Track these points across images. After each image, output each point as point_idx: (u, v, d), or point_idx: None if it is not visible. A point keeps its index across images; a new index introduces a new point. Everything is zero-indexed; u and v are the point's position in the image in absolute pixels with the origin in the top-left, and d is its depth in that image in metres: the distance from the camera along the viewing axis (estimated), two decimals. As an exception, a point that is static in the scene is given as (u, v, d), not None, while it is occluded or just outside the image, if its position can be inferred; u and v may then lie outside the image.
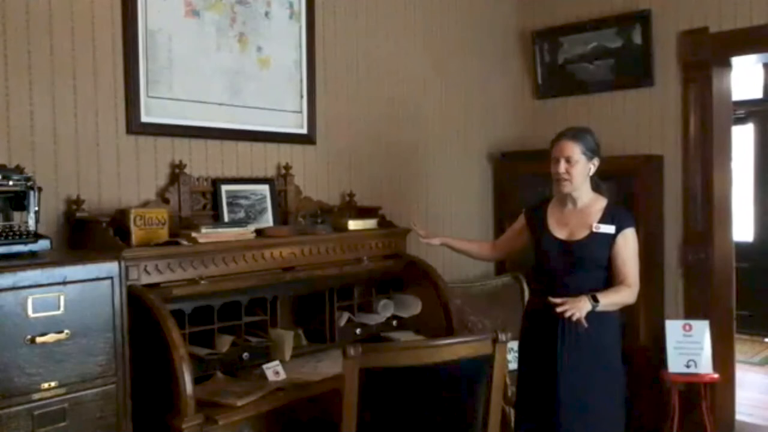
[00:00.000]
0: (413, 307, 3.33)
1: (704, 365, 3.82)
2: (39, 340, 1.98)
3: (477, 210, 4.57)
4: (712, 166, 4.04)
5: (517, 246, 3.01)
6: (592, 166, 2.73)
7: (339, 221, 3.28)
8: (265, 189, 3.16)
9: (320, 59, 3.47)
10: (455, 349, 2.22)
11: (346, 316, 3.13)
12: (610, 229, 2.67)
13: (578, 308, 2.51)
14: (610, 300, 2.61)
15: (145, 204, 2.78)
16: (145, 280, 2.44)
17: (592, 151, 2.71)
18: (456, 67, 4.34)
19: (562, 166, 2.68)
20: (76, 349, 2.07)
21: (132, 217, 2.52)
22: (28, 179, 2.21)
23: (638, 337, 3.98)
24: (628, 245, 2.68)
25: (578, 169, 2.68)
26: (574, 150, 2.68)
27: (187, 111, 2.93)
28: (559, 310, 2.52)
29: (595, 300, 2.55)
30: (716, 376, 3.83)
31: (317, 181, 3.50)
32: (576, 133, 2.72)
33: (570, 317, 2.50)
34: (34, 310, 1.97)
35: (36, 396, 1.98)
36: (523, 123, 4.82)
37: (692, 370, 3.83)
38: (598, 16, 4.40)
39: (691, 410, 3.95)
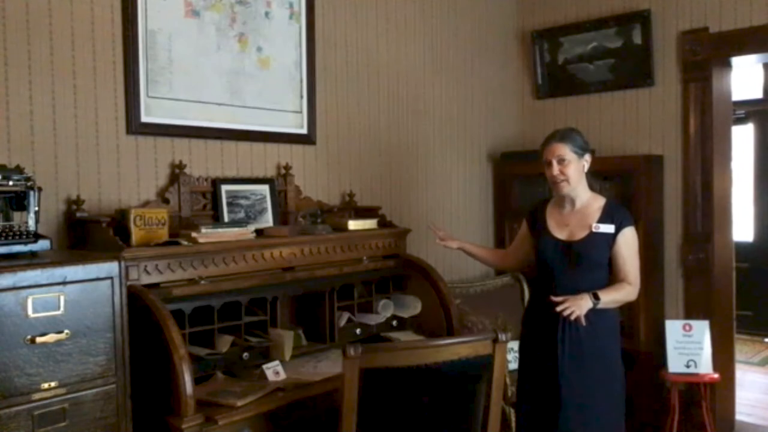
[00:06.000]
0: (413, 307, 3.33)
1: (704, 365, 3.83)
2: (39, 340, 1.98)
3: (477, 210, 4.57)
4: (712, 166, 4.04)
5: (526, 252, 2.97)
6: (585, 163, 2.74)
7: (339, 221, 3.28)
8: (265, 189, 3.16)
9: (320, 59, 3.47)
10: (455, 349, 2.22)
11: (346, 316, 3.13)
12: (609, 228, 2.67)
13: (578, 306, 2.53)
14: (612, 297, 2.63)
15: (145, 204, 2.79)
16: (145, 280, 2.44)
17: (581, 149, 2.72)
18: (456, 67, 4.35)
19: (556, 168, 2.69)
20: (76, 349, 2.07)
21: (132, 217, 2.52)
22: (28, 179, 2.21)
23: (638, 337, 3.98)
24: (628, 244, 2.69)
25: (572, 168, 2.69)
26: (564, 150, 2.69)
27: (187, 111, 2.93)
28: (559, 309, 2.53)
29: (596, 297, 2.56)
30: (716, 376, 3.83)
31: (317, 181, 3.50)
32: (563, 134, 2.73)
33: (569, 315, 2.52)
34: (34, 310, 1.97)
35: (36, 396, 1.98)
36: (523, 123, 4.82)
37: (692, 370, 3.83)
38: (598, 16, 4.41)
39: (691, 410, 3.95)
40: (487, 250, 3.32)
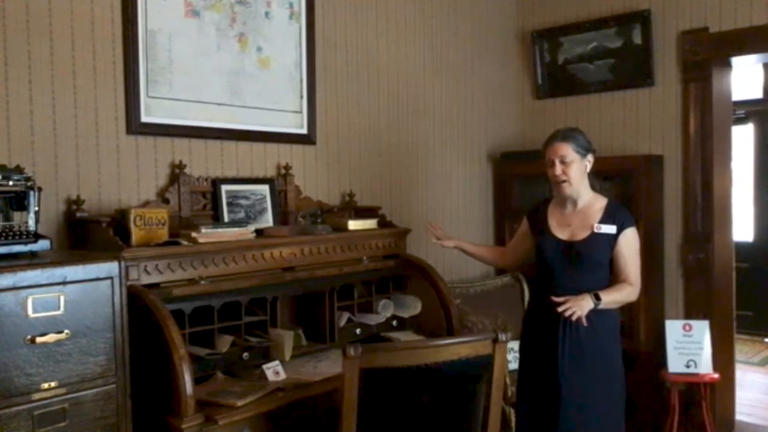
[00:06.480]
0: (413, 307, 3.33)
1: (704, 365, 3.82)
2: (39, 340, 1.98)
3: (477, 210, 4.57)
4: (712, 166, 4.04)
5: (525, 250, 2.97)
6: (588, 164, 2.74)
7: (339, 221, 3.27)
8: (265, 189, 3.16)
9: (320, 59, 3.47)
10: (455, 349, 2.22)
11: (346, 316, 3.13)
12: (611, 229, 2.68)
13: (580, 306, 2.53)
14: (613, 298, 2.63)
15: (145, 204, 2.79)
16: (145, 280, 2.44)
17: (584, 149, 2.71)
18: (456, 67, 4.34)
19: (558, 168, 2.69)
20: (76, 349, 2.07)
21: (132, 217, 2.52)
22: (28, 179, 2.21)
23: (638, 337, 3.98)
24: (629, 245, 2.69)
25: (574, 169, 2.69)
26: (567, 150, 2.68)
27: (187, 111, 2.93)
28: (560, 309, 2.53)
29: (597, 298, 2.56)
30: (716, 376, 3.83)
31: (317, 181, 3.50)
32: (565, 134, 2.73)
33: (570, 316, 2.52)
34: (34, 310, 1.97)
35: (36, 396, 1.98)
36: (523, 123, 4.82)
37: (692, 370, 3.83)
38: (598, 16, 4.41)
39: (691, 410, 3.95)
40: (484, 248, 3.32)
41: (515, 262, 3.14)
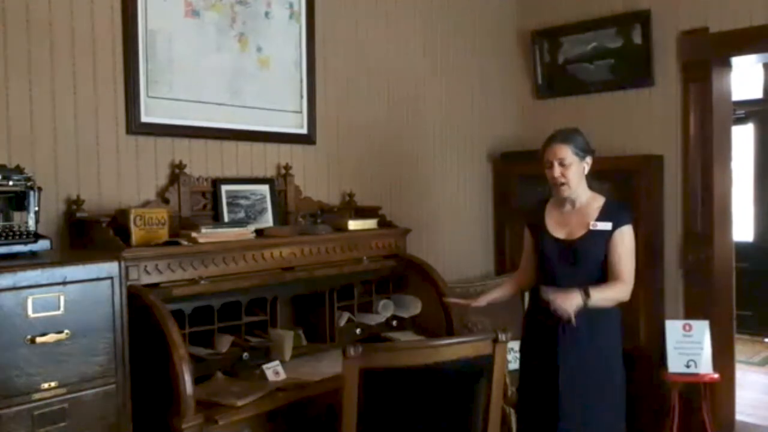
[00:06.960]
0: (413, 307, 3.33)
1: (704, 365, 3.82)
2: (39, 340, 1.98)
3: (477, 210, 4.57)
4: (712, 166, 4.04)
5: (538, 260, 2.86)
6: (586, 165, 2.73)
7: (339, 221, 3.28)
8: (265, 189, 3.16)
9: (320, 59, 3.47)
10: (455, 349, 2.22)
11: (346, 316, 3.13)
12: (607, 226, 2.67)
13: (568, 304, 2.49)
14: (603, 294, 2.59)
15: (145, 204, 2.79)
16: (145, 280, 2.44)
17: (583, 151, 2.70)
18: (456, 67, 4.34)
19: (557, 170, 2.68)
20: (76, 349, 2.07)
21: (132, 217, 2.52)
22: (28, 179, 2.21)
23: (638, 337, 3.98)
24: (624, 242, 2.68)
25: (573, 171, 2.68)
26: (567, 152, 2.67)
27: (187, 111, 2.93)
28: (552, 309, 2.50)
29: (587, 294, 2.53)
30: (716, 376, 3.82)
31: (317, 181, 3.49)
32: (566, 136, 2.71)
33: (562, 314, 2.49)
34: (34, 310, 1.97)
35: (36, 396, 1.98)
36: (523, 123, 4.82)
37: (692, 370, 3.83)
38: (598, 16, 4.40)
39: (691, 410, 3.95)
40: (506, 286, 3.10)
41: (536, 278, 2.91)
